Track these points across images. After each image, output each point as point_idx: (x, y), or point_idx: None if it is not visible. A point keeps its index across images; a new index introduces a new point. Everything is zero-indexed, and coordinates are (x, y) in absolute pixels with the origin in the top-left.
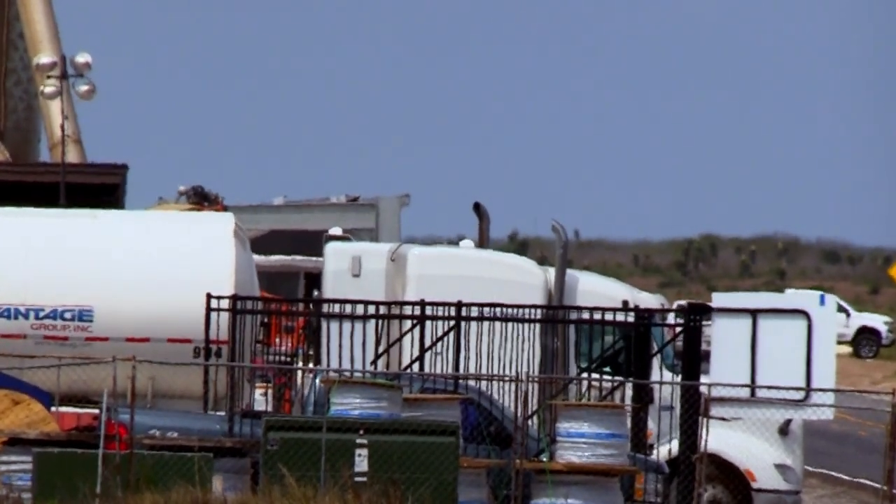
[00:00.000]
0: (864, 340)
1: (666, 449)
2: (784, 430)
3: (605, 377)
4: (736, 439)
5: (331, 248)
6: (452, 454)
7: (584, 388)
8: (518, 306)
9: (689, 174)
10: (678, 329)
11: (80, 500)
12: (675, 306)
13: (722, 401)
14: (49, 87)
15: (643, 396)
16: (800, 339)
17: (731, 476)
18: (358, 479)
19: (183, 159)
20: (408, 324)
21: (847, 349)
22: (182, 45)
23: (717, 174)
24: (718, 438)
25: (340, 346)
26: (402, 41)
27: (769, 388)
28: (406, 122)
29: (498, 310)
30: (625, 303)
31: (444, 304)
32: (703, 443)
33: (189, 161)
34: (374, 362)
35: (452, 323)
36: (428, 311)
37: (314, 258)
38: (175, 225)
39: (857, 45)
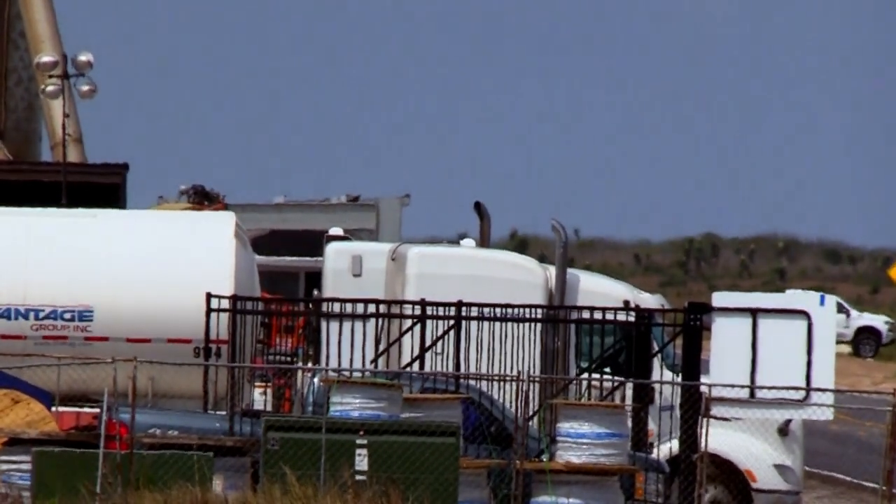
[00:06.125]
0: (865, 340)
1: (666, 448)
2: (784, 430)
3: (606, 377)
4: (736, 439)
5: (331, 247)
6: (452, 454)
7: (584, 388)
8: (518, 306)
9: (689, 174)
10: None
11: (79, 499)
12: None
13: (722, 401)
14: (50, 86)
15: (643, 396)
16: (800, 340)
17: (731, 476)
18: (358, 478)
19: (183, 159)
20: (408, 323)
21: (847, 349)
22: (183, 44)
23: (717, 174)
24: (719, 438)
25: (340, 345)
26: (403, 41)
27: (769, 388)
28: (406, 122)
29: (498, 309)
30: (626, 302)
31: (444, 304)
32: (703, 442)
33: (190, 160)
34: (375, 361)
35: (453, 322)
36: (428, 310)
37: (314, 258)
38: (175, 224)
39: (857, 45)
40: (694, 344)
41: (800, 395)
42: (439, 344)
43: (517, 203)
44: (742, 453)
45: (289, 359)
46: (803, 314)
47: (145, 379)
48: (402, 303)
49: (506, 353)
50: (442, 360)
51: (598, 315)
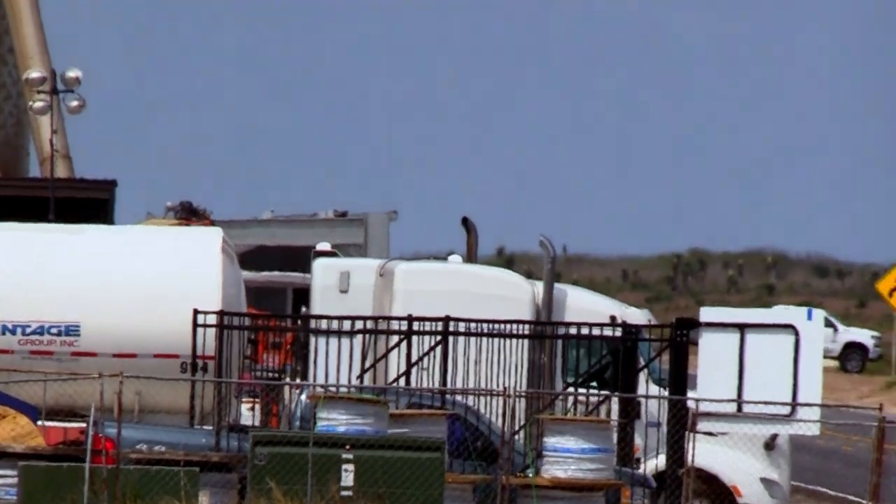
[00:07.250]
0: (852, 355)
1: (653, 463)
2: (770, 444)
3: (592, 392)
4: (722, 454)
5: (319, 263)
6: (438, 470)
7: (570, 403)
8: (505, 322)
9: (677, 189)
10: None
11: None
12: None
13: (709, 416)
14: (38, 101)
15: (629, 411)
16: (787, 354)
17: (717, 490)
18: (343, 494)
19: (171, 175)
20: (395, 339)
21: (834, 364)
22: (171, 61)
23: (705, 189)
24: (705, 453)
25: (327, 361)
26: (390, 56)
27: (756, 403)
28: (394, 137)
29: (485, 325)
30: (612, 318)
31: (431, 320)
32: (689, 457)
33: (177, 177)
34: (361, 377)
35: (440, 338)
36: (415, 326)
37: (302, 273)
38: (163, 240)
39: (848, 61)
40: (681, 359)
41: (786, 409)
42: (426, 359)
43: (504, 219)
44: (728, 468)
45: (276, 375)
46: (791, 329)
47: (132, 394)
48: (389, 318)
49: (492, 369)
50: (428, 375)
51: (585, 330)
